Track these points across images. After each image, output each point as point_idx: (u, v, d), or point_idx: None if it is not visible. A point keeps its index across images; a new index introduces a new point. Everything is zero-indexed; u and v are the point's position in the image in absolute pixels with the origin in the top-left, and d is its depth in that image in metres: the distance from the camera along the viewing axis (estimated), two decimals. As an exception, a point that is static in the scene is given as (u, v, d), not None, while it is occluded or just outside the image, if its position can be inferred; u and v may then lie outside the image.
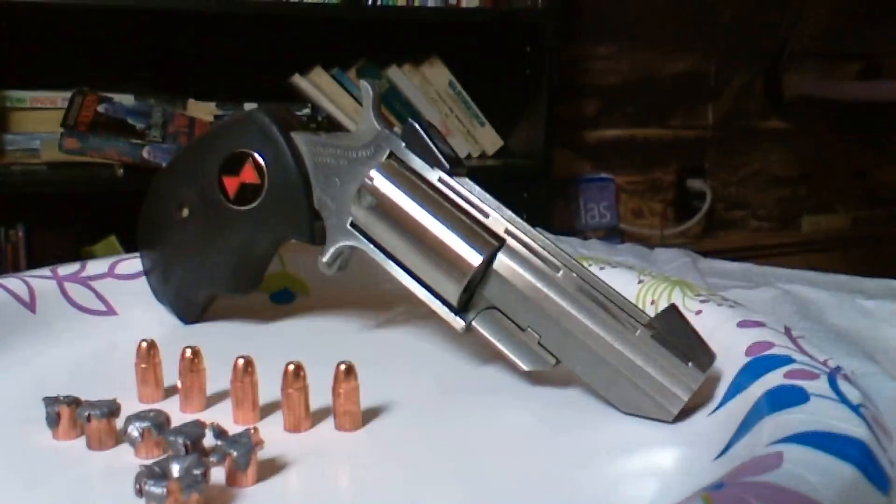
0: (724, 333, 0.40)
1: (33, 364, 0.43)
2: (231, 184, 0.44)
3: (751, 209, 2.11)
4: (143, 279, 0.49)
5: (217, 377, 0.38)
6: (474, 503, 0.31)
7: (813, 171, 2.14)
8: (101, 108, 1.34)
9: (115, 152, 1.34)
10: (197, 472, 0.29)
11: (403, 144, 0.41)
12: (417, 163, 0.41)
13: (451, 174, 0.41)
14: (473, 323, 0.40)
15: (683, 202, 2.01)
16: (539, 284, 0.39)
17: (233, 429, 0.33)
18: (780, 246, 2.10)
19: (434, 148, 0.40)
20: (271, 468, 0.32)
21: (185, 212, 0.46)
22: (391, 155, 0.41)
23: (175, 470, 0.29)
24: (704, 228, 2.05)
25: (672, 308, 0.38)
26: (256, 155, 0.43)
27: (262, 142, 0.43)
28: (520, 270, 0.39)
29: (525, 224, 0.40)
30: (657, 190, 2.00)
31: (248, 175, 0.43)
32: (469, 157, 1.65)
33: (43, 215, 1.45)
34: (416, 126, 0.41)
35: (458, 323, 0.40)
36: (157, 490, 0.28)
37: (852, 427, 0.29)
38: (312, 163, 0.43)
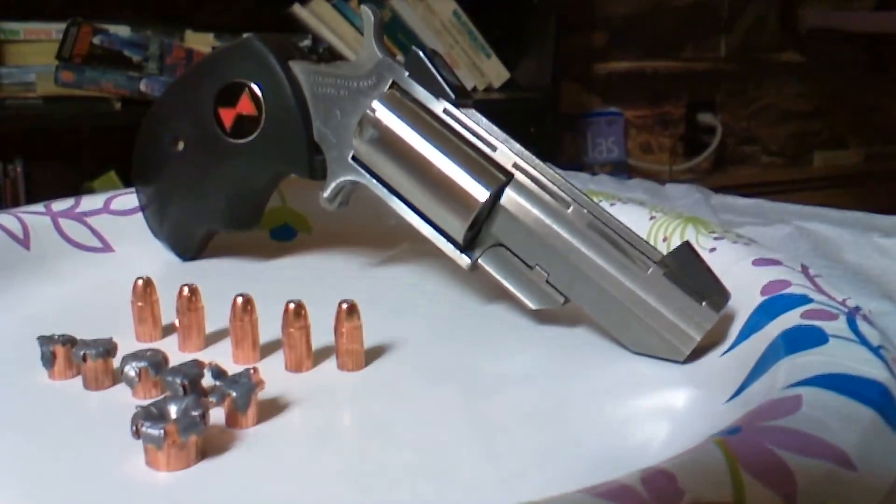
0: (739, 272, 0.39)
1: (28, 302, 0.42)
2: (227, 116, 0.42)
3: (762, 144, 2.08)
4: (140, 215, 0.48)
5: (216, 316, 0.37)
6: (479, 444, 0.30)
7: (826, 105, 2.10)
8: (96, 40, 1.31)
9: (111, 85, 1.31)
10: (195, 413, 0.28)
11: (407, 74, 0.39)
12: (421, 93, 0.39)
13: (456, 105, 0.39)
14: (480, 260, 0.39)
15: (693, 137, 1.98)
16: (548, 221, 0.37)
17: (232, 369, 0.32)
18: (791, 182, 2.07)
19: (439, 77, 0.39)
20: (272, 409, 0.31)
21: (181, 145, 0.44)
22: (394, 85, 0.39)
23: (173, 411, 0.28)
24: (714, 164, 2.02)
25: (685, 245, 0.36)
26: (253, 85, 0.41)
27: (258, 71, 0.41)
28: (528, 206, 0.38)
29: (534, 158, 0.38)
30: (666, 124, 1.97)
31: (245, 106, 0.42)
32: (475, 89, 1.61)
33: (41, 150, 1.43)
34: (421, 54, 0.39)
35: (463, 260, 0.39)
36: (155, 432, 0.27)
37: (872, 369, 0.28)
38: (311, 93, 0.41)
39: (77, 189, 1.33)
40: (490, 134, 0.39)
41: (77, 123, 1.36)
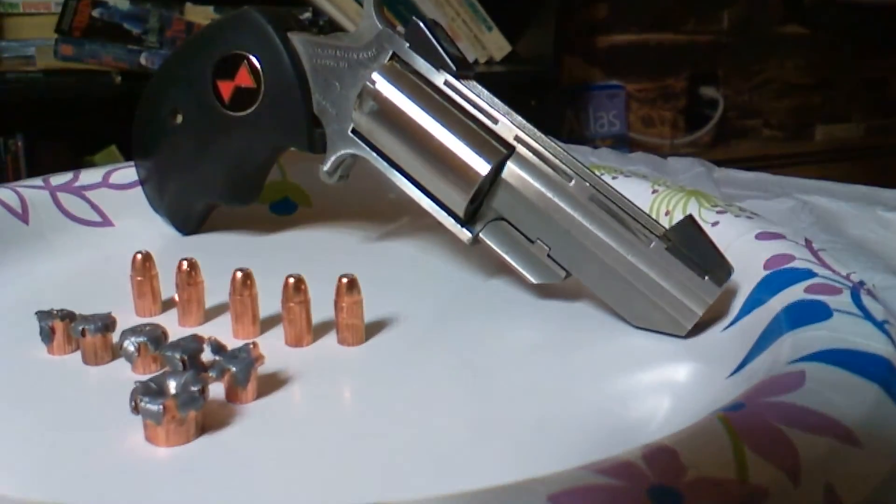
0: (742, 245, 0.38)
1: (26, 277, 0.41)
2: (226, 88, 0.42)
3: (763, 118, 2.07)
4: (139, 189, 0.48)
5: (216, 290, 0.37)
6: (479, 419, 0.30)
7: (829, 78, 2.08)
8: (95, 13, 1.30)
9: (111, 59, 1.30)
10: (195, 388, 0.28)
11: (407, 45, 0.39)
12: (422, 64, 0.39)
13: (457, 77, 0.38)
14: (481, 234, 0.39)
15: (695, 110, 1.97)
16: (550, 194, 0.37)
17: (232, 343, 0.32)
18: (792, 156, 2.06)
19: (440, 48, 0.38)
20: (272, 384, 0.31)
21: (179, 118, 0.44)
22: (394, 56, 0.39)
23: (172, 386, 0.28)
24: (715, 138, 2.01)
25: (688, 219, 0.36)
26: (252, 57, 0.41)
27: (257, 43, 0.41)
28: (530, 180, 0.37)
29: (536, 131, 0.38)
30: (668, 98, 1.96)
31: (244, 78, 0.41)
32: (475, 62, 1.60)
33: (42, 125, 1.42)
34: (421, 25, 0.39)
35: (464, 234, 0.39)
36: (154, 407, 0.27)
37: (877, 344, 0.28)
38: (311, 65, 0.40)
39: (79, 164, 1.32)
40: (491, 106, 0.38)
41: (78, 97, 1.35)
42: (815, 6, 1.95)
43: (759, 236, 0.39)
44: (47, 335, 0.33)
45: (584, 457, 0.22)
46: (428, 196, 0.39)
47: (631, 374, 0.34)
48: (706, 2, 1.93)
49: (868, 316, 0.30)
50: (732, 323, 0.35)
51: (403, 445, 0.28)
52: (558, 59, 1.58)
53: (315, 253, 0.46)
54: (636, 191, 0.46)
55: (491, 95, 0.38)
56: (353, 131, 0.40)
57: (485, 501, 0.19)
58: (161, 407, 0.27)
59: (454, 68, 0.38)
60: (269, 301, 0.35)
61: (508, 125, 0.38)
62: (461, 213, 0.38)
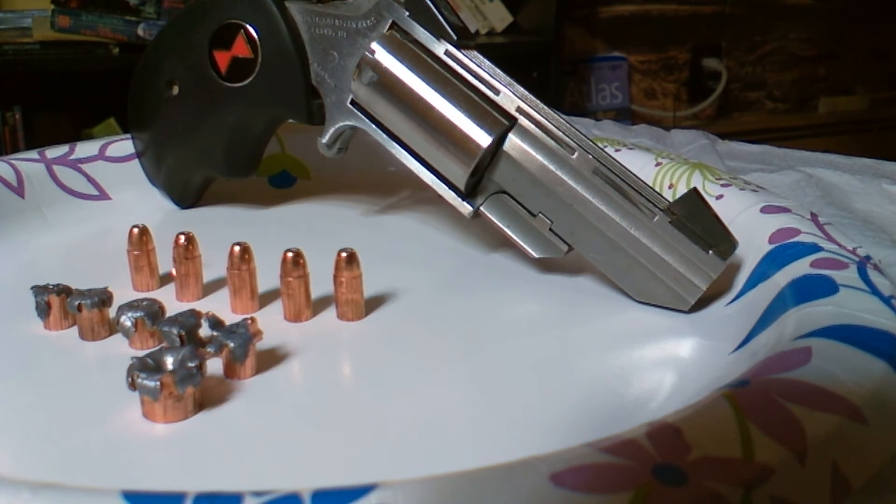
0: (747, 219, 0.38)
1: (23, 251, 0.41)
2: (222, 58, 0.41)
3: (767, 90, 2.05)
4: (136, 161, 0.47)
5: (214, 265, 0.36)
6: (481, 395, 0.30)
7: (833, 50, 2.06)
8: (91, -18, 1.28)
9: (109, 30, 1.29)
10: (192, 364, 0.27)
11: (407, 14, 0.38)
12: (422, 34, 0.38)
13: (458, 47, 0.38)
14: (482, 208, 0.38)
15: (698, 82, 1.95)
16: (552, 167, 0.36)
17: (230, 318, 0.31)
18: (795, 129, 2.05)
19: (440, 17, 0.37)
20: (271, 359, 0.31)
21: (176, 89, 0.43)
22: (394, 25, 0.38)
23: (169, 362, 0.28)
24: (718, 110, 2.00)
25: (693, 192, 0.35)
26: (248, 26, 0.40)
27: (253, 12, 0.40)
28: (532, 152, 0.37)
29: (538, 102, 0.37)
30: (671, 70, 1.94)
31: (241, 49, 0.40)
32: (476, 33, 1.58)
33: (40, 97, 1.42)
34: (421, -7, 0.38)
35: (465, 208, 0.38)
36: (151, 383, 0.26)
37: (884, 320, 0.27)
38: (308, 35, 0.40)
39: (77, 136, 1.32)
40: (493, 77, 0.37)
41: (75, 69, 1.34)
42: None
43: (765, 210, 0.38)
44: (43, 310, 0.33)
45: (586, 434, 0.22)
46: (428, 169, 0.38)
47: (633, 350, 0.33)
48: (710, -28, 1.91)
49: (875, 291, 0.29)
50: (736, 298, 0.35)
51: (403, 422, 0.27)
52: (560, 30, 1.56)
53: (314, 227, 0.45)
54: (640, 164, 0.45)
55: (492, 66, 0.38)
56: (352, 102, 0.39)
57: (485, 480, 0.19)
58: (158, 383, 0.26)
59: (455, 38, 0.37)
60: (267, 275, 0.35)
61: (510, 96, 0.37)
62: (462, 187, 0.38)
